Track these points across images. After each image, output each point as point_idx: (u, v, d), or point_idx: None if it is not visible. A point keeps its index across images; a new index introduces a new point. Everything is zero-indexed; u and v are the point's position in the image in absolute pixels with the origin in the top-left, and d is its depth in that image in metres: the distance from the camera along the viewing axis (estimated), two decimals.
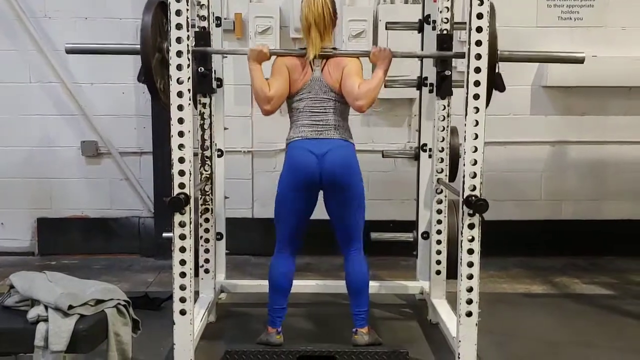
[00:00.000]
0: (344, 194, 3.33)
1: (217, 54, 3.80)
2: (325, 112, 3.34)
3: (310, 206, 3.39)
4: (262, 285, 3.91)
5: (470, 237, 2.96)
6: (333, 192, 3.34)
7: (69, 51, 3.39)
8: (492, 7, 2.87)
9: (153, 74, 3.01)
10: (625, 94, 5.33)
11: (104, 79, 5.22)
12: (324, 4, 3.32)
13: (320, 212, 3.47)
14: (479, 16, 2.82)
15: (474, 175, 2.92)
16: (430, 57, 3.83)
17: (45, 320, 2.45)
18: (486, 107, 2.90)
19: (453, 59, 3.82)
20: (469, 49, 2.85)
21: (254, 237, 5.20)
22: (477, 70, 2.86)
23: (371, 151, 5.11)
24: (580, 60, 3.19)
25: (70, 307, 2.47)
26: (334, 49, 3.43)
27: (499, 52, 3.00)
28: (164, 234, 3.53)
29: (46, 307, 2.48)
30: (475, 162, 2.91)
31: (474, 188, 2.92)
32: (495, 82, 2.99)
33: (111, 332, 2.60)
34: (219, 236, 4.01)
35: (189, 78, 2.87)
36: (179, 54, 2.84)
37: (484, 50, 2.84)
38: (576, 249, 5.39)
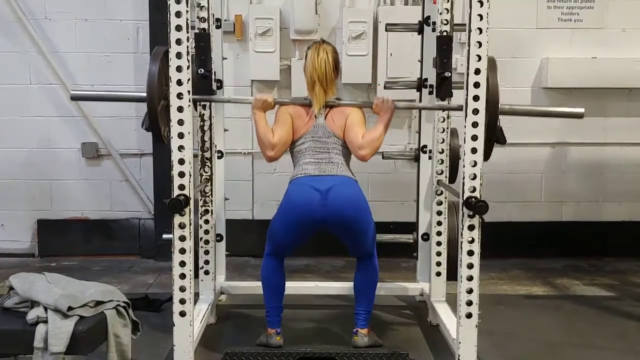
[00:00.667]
0: (353, 229, 3.32)
1: (223, 102, 3.84)
2: (329, 152, 3.37)
3: (307, 237, 3.40)
4: (261, 286, 3.90)
5: (470, 239, 2.96)
6: (341, 229, 3.32)
7: (74, 98, 3.42)
8: (492, 61, 2.89)
9: (159, 122, 2.99)
10: (626, 96, 5.33)
11: (104, 80, 5.22)
12: (327, 61, 3.37)
13: None
14: (479, 17, 2.83)
15: (474, 177, 2.92)
16: (431, 109, 3.86)
17: (45, 321, 2.45)
18: (485, 160, 2.93)
19: (453, 59, 3.79)
20: (469, 50, 2.85)
21: (254, 239, 5.15)
22: (477, 71, 2.86)
23: None
24: (580, 116, 3.20)
25: (70, 308, 2.47)
26: (337, 98, 3.47)
27: (500, 106, 2.99)
28: (164, 236, 3.54)
29: (46, 309, 2.48)
30: (475, 164, 2.91)
31: (474, 189, 2.92)
32: (497, 136, 3.01)
33: (111, 333, 2.60)
34: (218, 237, 4.00)
35: (188, 80, 2.87)
36: (179, 55, 2.84)
37: (483, 51, 2.84)
38: (576, 250, 5.38)
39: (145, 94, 3.01)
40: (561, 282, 4.81)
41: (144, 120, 3.07)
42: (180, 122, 2.88)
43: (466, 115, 2.90)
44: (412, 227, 4.24)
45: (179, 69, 2.85)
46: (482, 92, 2.87)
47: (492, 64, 2.89)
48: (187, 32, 2.84)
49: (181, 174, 2.90)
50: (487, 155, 2.95)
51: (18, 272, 2.82)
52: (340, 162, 3.36)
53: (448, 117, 3.82)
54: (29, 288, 2.57)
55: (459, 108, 3.09)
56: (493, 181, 4.92)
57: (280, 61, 5.12)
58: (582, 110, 3.17)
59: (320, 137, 3.37)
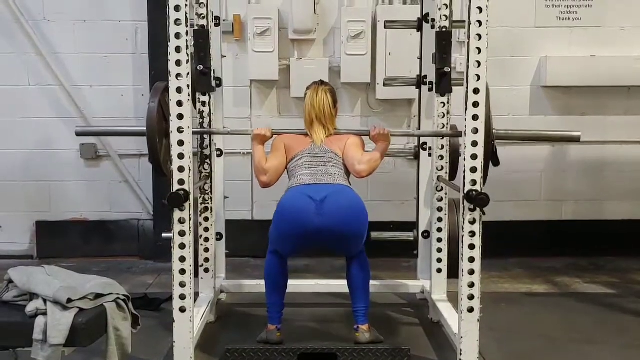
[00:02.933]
0: (351, 237, 3.32)
1: (222, 134, 3.91)
2: (325, 165, 3.41)
3: (304, 248, 3.45)
4: (261, 285, 3.86)
5: (472, 232, 2.95)
6: (337, 238, 3.29)
7: (79, 134, 3.54)
8: (486, 89, 2.89)
9: (160, 157, 3.02)
10: (625, 94, 5.32)
11: (102, 81, 5.22)
12: (324, 100, 3.47)
13: None
14: (479, 10, 2.83)
15: (475, 170, 2.92)
16: (427, 135, 3.91)
17: (44, 313, 2.43)
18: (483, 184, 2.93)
19: (452, 57, 3.80)
20: (469, 43, 2.85)
21: (253, 239, 5.15)
22: (477, 64, 2.86)
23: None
24: (576, 139, 3.23)
25: (69, 300, 2.46)
26: (335, 128, 3.54)
27: (494, 131, 3.04)
28: (164, 235, 3.53)
29: (45, 301, 2.46)
30: (476, 157, 2.91)
31: (475, 183, 2.92)
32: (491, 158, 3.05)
33: (110, 326, 2.58)
34: (218, 236, 3.99)
35: (188, 74, 2.86)
36: (178, 49, 2.83)
37: (483, 44, 2.84)
38: (577, 249, 5.36)
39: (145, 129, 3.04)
40: (562, 281, 4.80)
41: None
42: (180, 117, 2.88)
43: (466, 109, 2.89)
44: (412, 227, 4.22)
45: (178, 62, 2.85)
46: (482, 84, 2.87)
47: (487, 92, 2.89)
48: (186, 26, 2.83)
49: (181, 169, 2.89)
50: (484, 179, 2.95)
51: None
52: (337, 173, 3.39)
53: (448, 113, 3.81)
54: (28, 280, 2.55)
55: (457, 134, 3.12)
56: (493, 180, 4.82)
57: (279, 61, 5.10)
58: (579, 133, 3.21)
59: (317, 153, 3.43)
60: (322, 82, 3.59)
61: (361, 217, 3.30)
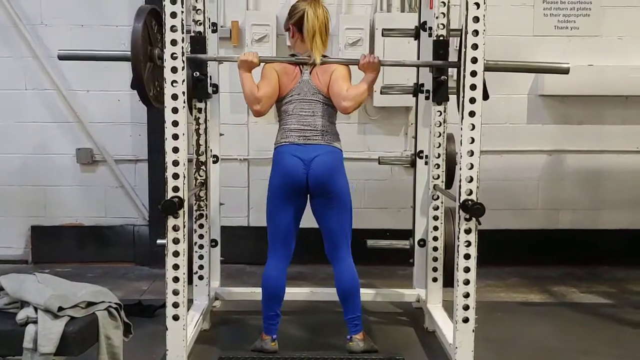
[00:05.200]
0: (330, 199, 3.35)
1: (210, 60, 3.79)
2: (314, 116, 3.38)
3: (300, 207, 3.42)
4: (256, 292, 3.86)
5: (467, 242, 2.94)
6: (319, 197, 3.36)
7: (62, 57, 3.39)
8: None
9: (144, 82, 2.97)
10: (622, 103, 5.32)
11: (99, 86, 5.20)
12: (325, 13, 3.44)
13: (313, 220, 3.46)
14: (475, 20, 2.83)
15: (471, 180, 2.91)
16: (422, 65, 3.84)
17: (35, 322, 2.42)
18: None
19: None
20: (465, 52, 2.85)
21: (249, 246, 5.15)
22: (473, 73, 2.86)
23: (367, 159, 5.11)
24: (565, 71, 3.19)
25: (60, 308, 2.44)
26: (324, 56, 3.46)
27: (484, 61, 2.96)
28: (158, 241, 3.51)
29: (36, 309, 2.44)
30: (472, 166, 2.90)
31: (471, 192, 2.91)
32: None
33: (102, 335, 2.57)
34: (213, 243, 3.98)
35: (183, 81, 2.86)
36: (174, 56, 2.83)
37: (480, 53, 2.84)
38: (573, 258, 5.35)
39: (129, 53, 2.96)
40: (558, 290, 4.78)
41: (132, 81, 3.00)
42: (175, 124, 2.87)
43: (462, 118, 2.89)
44: (408, 234, 4.21)
45: (174, 70, 2.85)
46: (478, 107, 2.86)
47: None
48: (183, 32, 2.83)
49: (175, 176, 2.88)
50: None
51: None
52: (325, 128, 3.38)
53: (444, 122, 3.80)
54: (19, 288, 2.53)
55: (454, 65, 3.05)
56: (489, 189, 4.87)
57: None
58: (567, 65, 3.16)
59: (305, 94, 3.38)
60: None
61: (339, 179, 3.37)
